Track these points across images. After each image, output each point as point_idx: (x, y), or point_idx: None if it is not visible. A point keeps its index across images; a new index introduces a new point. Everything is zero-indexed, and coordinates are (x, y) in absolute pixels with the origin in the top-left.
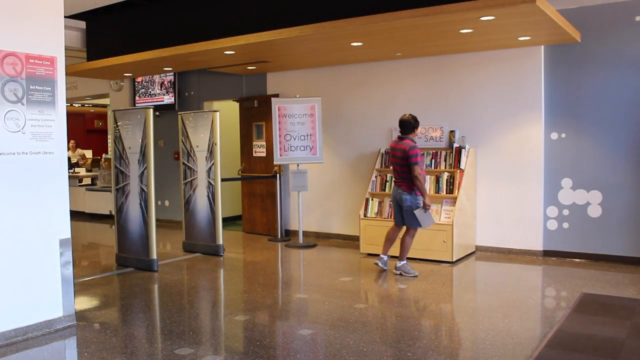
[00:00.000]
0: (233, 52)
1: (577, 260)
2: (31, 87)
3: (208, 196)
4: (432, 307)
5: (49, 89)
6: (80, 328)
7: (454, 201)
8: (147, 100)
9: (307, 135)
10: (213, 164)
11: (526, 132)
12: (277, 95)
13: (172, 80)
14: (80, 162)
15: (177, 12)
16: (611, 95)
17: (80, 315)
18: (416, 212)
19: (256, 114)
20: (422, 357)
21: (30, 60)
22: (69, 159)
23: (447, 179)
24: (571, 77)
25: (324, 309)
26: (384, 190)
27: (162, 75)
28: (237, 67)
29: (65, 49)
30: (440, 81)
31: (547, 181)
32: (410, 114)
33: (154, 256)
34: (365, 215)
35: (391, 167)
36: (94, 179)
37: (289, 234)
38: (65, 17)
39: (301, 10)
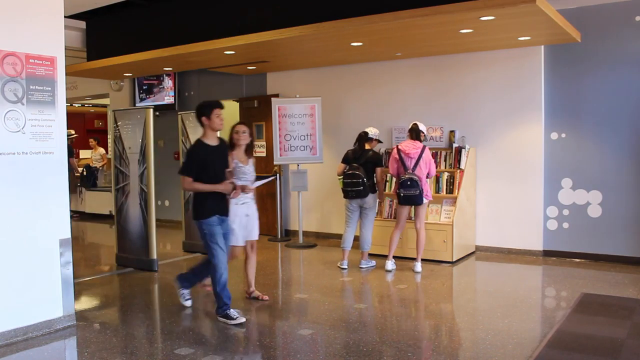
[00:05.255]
0: (233, 52)
1: (577, 260)
2: (31, 87)
3: None
4: (432, 307)
5: (49, 89)
6: (80, 328)
7: (454, 201)
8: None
9: (307, 135)
10: None
11: (526, 132)
12: (277, 95)
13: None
14: (99, 165)
15: (177, 12)
16: (611, 95)
17: (80, 315)
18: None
19: (256, 114)
20: (422, 357)
21: (30, 60)
22: (89, 166)
23: (447, 179)
24: (571, 77)
25: (324, 309)
26: (384, 190)
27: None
28: (237, 67)
29: (65, 49)
30: (440, 81)
31: (547, 181)
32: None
33: (154, 256)
34: None
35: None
36: None
37: (289, 234)
38: (65, 17)
39: (301, 10)
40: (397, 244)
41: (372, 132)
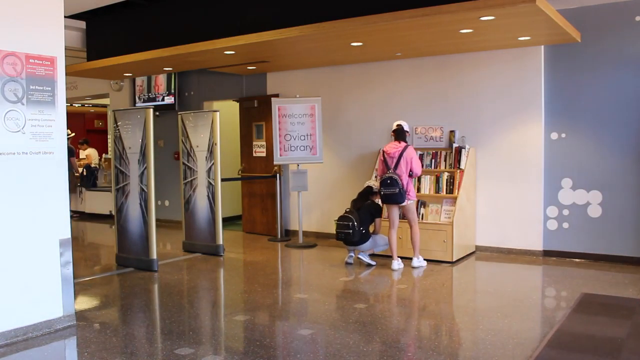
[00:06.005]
0: (233, 52)
1: (577, 260)
2: (31, 87)
3: (208, 196)
4: (432, 307)
5: (49, 89)
6: (80, 328)
7: (454, 201)
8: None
9: (307, 135)
10: (213, 164)
11: (526, 132)
12: (277, 95)
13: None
14: (90, 164)
15: (177, 12)
16: (611, 95)
17: (80, 315)
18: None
19: (256, 114)
20: (422, 357)
21: (30, 60)
22: (89, 166)
23: (447, 179)
24: (571, 77)
25: (324, 309)
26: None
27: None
28: (237, 67)
29: (65, 49)
30: (440, 81)
31: (547, 181)
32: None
33: (154, 256)
34: None
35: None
36: None
37: (289, 234)
38: (65, 17)
39: (301, 10)
40: (398, 243)
41: (375, 185)
